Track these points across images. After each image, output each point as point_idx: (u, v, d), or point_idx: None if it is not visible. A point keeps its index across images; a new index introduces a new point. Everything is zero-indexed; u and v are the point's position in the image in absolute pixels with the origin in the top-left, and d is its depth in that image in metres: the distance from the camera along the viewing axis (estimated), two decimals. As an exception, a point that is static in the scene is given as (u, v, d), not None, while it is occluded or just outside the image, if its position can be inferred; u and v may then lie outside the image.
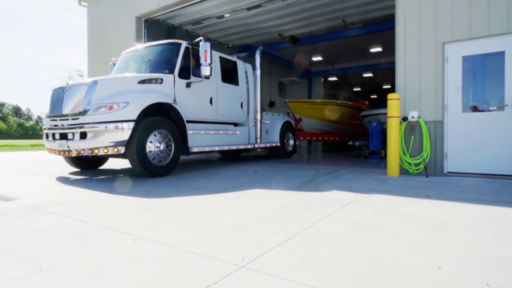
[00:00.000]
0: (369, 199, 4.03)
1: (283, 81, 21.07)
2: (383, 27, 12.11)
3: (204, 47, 6.28)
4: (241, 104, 8.51)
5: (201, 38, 6.61)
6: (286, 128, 10.42)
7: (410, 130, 6.35)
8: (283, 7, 11.39)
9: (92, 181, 5.62)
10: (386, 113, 6.59)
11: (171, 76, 6.37)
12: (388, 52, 17.08)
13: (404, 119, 6.36)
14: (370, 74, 23.31)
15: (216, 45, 15.26)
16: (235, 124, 8.49)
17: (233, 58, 8.64)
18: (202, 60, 6.28)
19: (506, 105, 5.57)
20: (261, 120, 8.95)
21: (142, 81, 5.92)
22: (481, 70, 6.06)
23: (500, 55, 5.63)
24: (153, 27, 12.14)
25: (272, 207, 3.59)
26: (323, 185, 5.09)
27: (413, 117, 6.28)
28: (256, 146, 8.94)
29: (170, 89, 6.26)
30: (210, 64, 6.31)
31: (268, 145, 9.47)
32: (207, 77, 6.58)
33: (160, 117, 6.02)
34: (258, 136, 8.90)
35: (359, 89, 30.67)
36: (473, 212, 3.38)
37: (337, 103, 14.47)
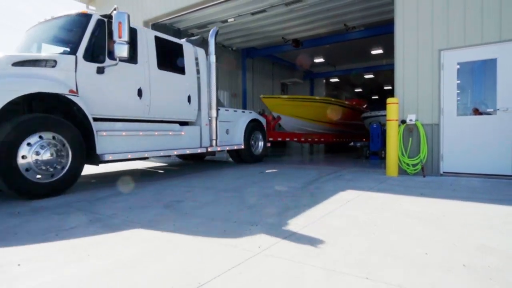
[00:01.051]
0: (369, 198, 4.38)
1: (285, 82, 21.41)
2: (384, 31, 12.41)
3: (118, 19, 4.77)
4: (189, 97, 6.87)
5: (115, 6, 5.13)
6: (253, 128, 8.96)
7: (408, 132, 6.69)
8: (287, 12, 11.75)
9: None
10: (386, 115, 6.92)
11: (70, 57, 4.77)
12: (389, 54, 17.35)
13: (403, 122, 6.70)
14: (371, 76, 23.66)
15: (220, 48, 15.67)
16: (182, 123, 6.89)
17: (179, 40, 7.09)
18: (115, 36, 4.77)
19: (498, 109, 5.91)
20: (217, 118, 7.39)
21: (19, 63, 4.29)
22: (475, 76, 6.39)
23: (493, 62, 5.96)
24: (159, 30, 12.49)
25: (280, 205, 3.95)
26: (326, 184, 5.45)
27: (411, 120, 6.62)
28: (210, 149, 7.35)
29: (67, 74, 4.69)
30: (127, 42, 4.81)
31: (228, 148, 8.00)
32: (124, 60, 5.20)
33: (50, 114, 4.60)
34: (214, 137, 7.33)
35: (360, 90, 30.99)
36: (464, 209, 3.73)
37: (323, 100, 13.12)
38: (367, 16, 12.19)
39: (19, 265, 2.18)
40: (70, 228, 3.03)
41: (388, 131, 6.64)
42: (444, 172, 6.48)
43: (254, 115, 9.29)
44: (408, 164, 6.64)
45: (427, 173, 6.45)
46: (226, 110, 8.29)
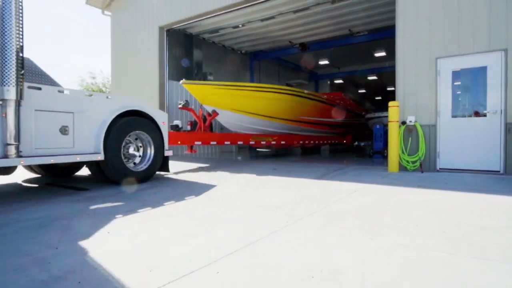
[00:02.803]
0: (373, 189, 5.08)
1: (291, 83, 22.06)
2: (386, 35, 13.03)
3: None
4: None
5: None
6: (128, 125, 5.64)
7: (408, 132, 7.37)
8: (294, 18, 12.46)
9: None
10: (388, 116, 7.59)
11: None
12: (392, 56, 17.78)
13: (403, 123, 7.37)
14: (375, 77, 24.30)
15: (229, 51, 16.43)
16: None
17: None
18: None
19: (488, 112, 6.59)
20: (19, 103, 4.20)
21: None
22: (468, 82, 7.05)
23: (483, 69, 6.64)
24: (173, 35, 13.24)
25: (296, 195, 4.66)
26: (334, 179, 6.15)
27: (410, 121, 7.29)
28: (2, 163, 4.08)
29: None
30: None
31: (65, 159, 4.78)
32: None
33: None
34: (11, 139, 4.13)
35: (364, 91, 31.63)
36: (452, 197, 4.42)
37: (280, 90, 10.36)
38: (370, 22, 12.88)
39: (108, 232, 2.91)
40: (131, 209, 3.76)
41: (389, 131, 7.33)
42: (440, 168, 7.15)
43: (131, 103, 5.76)
44: (408, 161, 7.31)
45: (425, 169, 7.13)
46: (59, 90, 4.86)
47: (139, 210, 3.73)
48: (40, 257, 2.31)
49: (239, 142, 9.77)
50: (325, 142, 14.23)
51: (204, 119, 9.19)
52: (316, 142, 13.31)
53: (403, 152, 7.35)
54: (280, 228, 3.01)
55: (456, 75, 6.96)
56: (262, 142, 10.29)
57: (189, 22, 12.25)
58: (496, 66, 6.50)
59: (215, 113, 9.02)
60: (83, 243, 2.60)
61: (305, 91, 11.53)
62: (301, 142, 12.22)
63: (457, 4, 6.76)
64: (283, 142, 11.10)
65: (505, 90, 6.43)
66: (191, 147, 8.41)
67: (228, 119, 9.53)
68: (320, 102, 12.32)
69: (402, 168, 7.37)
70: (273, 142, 10.65)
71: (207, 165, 9.05)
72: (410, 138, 7.33)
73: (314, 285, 1.87)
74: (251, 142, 9.96)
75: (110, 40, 14.90)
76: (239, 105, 9.29)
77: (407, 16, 7.33)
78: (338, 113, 13.88)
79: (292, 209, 3.76)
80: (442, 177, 6.24)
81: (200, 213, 3.60)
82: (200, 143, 8.50)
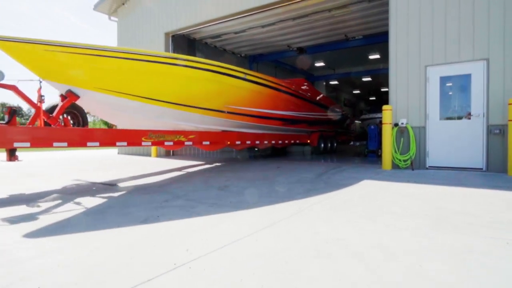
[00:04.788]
0: (368, 183, 5.78)
1: (288, 85, 22.68)
2: (381, 40, 13.71)
3: None
4: None
5: None
6: None
7: (400, 133, 8.09)
8: (293, 25, 13.16)
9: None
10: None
11: None
12: (385, 59, 18.53)
13: (396, 125, 8.09)
14: (369, 79, 25.11)
15: (229, 55, 17.08)
16: None
17: None
18: None
19: (472, 115, 7.33)
20: None
21: None
22: (454, 88, 7.78)
23: (468, 77, 7.38)
24: (177, 40, 13.88)
25: (304, 188, 5.35)
26: (334, 175, 6.85)
27: (402, 123, 8.02)
28: None
29: None
30: None
31: None
32: None
33: None
34: None
35: (359, 91, 32.47)
36: (436, 189, 5.13)
37: (194, 63, 6.98)
38: (365, 28, 13.63)
39: (157, 217, 3.57)
40: (166, 200, 4.42)
41: (383, 132, 8.05)
42: (429, 166, 7.88)
43: None
44: (400, 160, 8.03)
45: (415, 167, 7.85)
46: None
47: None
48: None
49: (119, 143, 6.04)
50: (277, 142, 10.96)
51: (52, 109, 6.18)
52: (263, 141, 10.04)
53: (395, 152, 8.07)
54: (296, 212, 3.69)
55: (443, 81, 7.70)
56: (168, 143, 6.90)
57: (193, 28, 12.91)
58: (479, 74, 7.24)
59: (71, 95, 5.64)
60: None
61: (241, 70, 8.19)
62: (238, 142, 8.95)
63: (444, 17, 7.49)
64: (206, 143, 7.98)
65: (487, 96, 7.18)
66: (11, 153, 5.25)
67: (100, 105, 6.23)
68: (268, 88, 9.19)
69: (395, 166, 8.09)
70: (188, 143, 7.42)
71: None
72: (402, 139, 8.05)
73: (328, 250, 2.55)
74: (144, 143, 6.42)
75: (117, 44, 15.48)
76: (117, 82, 5.93)
77: (399, 28, 8.06)
78: (298, 105, 11.31)
79: (303, 199, 4.45)
80: (430, 174, 6.96)
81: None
82: (28, 144, 4.92)
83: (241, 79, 8.09)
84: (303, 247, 2.59)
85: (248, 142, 9.38)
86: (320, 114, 13.66)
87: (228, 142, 8.68)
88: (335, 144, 14.86)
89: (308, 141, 13.17)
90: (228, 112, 8.18)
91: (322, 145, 13.68)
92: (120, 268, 2.20)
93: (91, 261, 2.34)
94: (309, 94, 12.66)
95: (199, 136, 7.77)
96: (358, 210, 3.81)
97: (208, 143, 8.02)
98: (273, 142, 10.63)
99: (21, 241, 2.77)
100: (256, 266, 2.22)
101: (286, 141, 11.65)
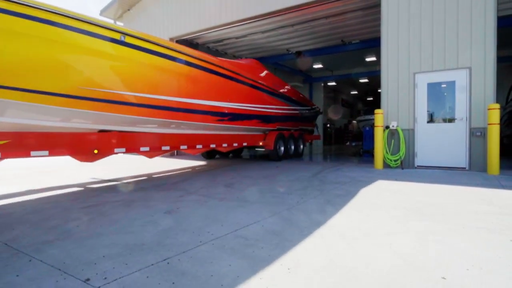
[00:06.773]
0: (360, 181, 6.43)
1: (287, 86, 23.28)
2: (377, 44, 14.18)
3: None
4: None
5: None
6: None
7: (391, 135, 8.74)
8: (292, 31, 13.80)
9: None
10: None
11: None
12: (381, 62, 19.47)
13: (387, 127, 8.74)
14: (366, 80, 25.77)
15: (230, 58, 17.71)
16: None
17: None
18: None
19: (456, 119, 7.99)
20: None
21: None
22: (440, 93, 8.44)
23: (452, 83, 8.04)
24: (181, 44, 14.48)
25: (301, 185, 6.00)
26: (329, 174, 7.50)
27: (393, 126, 8.66)
28: None
29: None
30: None
31: None
32: None
33: None
34: None
35: (356, 92, 33.13)
36: (420, 186, 5.78)
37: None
38: (361, 34, 14.27)
39: (177, 208, 4.20)
40: (181, 195, 5.06)
41: (375, 134, 8.70)
42: (418, 166, 8.54)
43: None
44: (390, 160, 8.68)
45: (405, 167, 8.51)
46: None
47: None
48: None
49: None
50: (207, 145, 7.96)
51: None
52: (177, 145, 7.05)
53: (387, 152, 8.72)
54: (295, 204, 4.34)
55: (430, 87, 8.35)
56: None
57: (196, 34, 13.56)
58: (462, 81, 7.89)
59: None
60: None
61: (111, 26, 5.16)
62: (120, 149, 5.80)
63: (431, 29, 8.14)
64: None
65: (469, 101, 7.83)
66: None
67: None
68: (187, 65, 6.52)
69: (386, 165, 8.74)
70: None
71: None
72: (392, 140, 8.70)
73: (320, 231, 3.19)
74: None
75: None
76: None
77: (390, 38, 8.71)
78: (244, 95, 8.79)
79: (301, 194, 5.09)
80: (417, 173, 7.62)
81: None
82: None
83: (113, 42, 5.07)
84: (300, 228, 3.24)
85: (146, 148, 6.23)
86: (281, 108, 11.16)
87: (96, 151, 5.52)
88: (301, 147, 12.46)
89: (261, 143, 10.33)
90: (88, 99, 4.86)
91: (282, 148, 10.98)
92: (162, 244, 2.85)
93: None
94: (264, 82, 9.93)
95: (38, 137, 4.75)
96: (348, 203, 4.45)
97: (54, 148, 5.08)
98: (200, 146, 7.62)
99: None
100: (262, 243, 2.86)
101: (225, 144, 8.55)
